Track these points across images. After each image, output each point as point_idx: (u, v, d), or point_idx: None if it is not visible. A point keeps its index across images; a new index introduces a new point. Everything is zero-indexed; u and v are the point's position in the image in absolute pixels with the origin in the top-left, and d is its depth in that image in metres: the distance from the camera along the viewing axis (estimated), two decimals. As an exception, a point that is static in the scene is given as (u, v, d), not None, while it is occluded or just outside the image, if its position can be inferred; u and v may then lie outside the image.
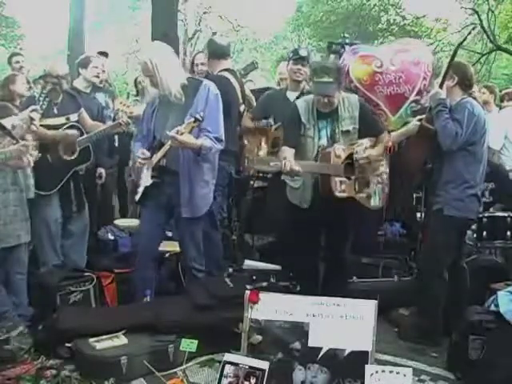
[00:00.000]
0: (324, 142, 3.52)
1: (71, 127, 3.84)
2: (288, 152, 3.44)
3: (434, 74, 3.84)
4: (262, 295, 2.89)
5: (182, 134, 3.06)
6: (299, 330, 2.82)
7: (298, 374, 2.78)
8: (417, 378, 2.99)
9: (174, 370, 2.99)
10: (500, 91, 6.16)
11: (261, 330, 2.84)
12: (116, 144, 4.95)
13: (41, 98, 3.74)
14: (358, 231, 3.78)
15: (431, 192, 3.69)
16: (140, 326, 3.15)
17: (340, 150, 3.41)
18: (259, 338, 2.83)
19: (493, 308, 3.08)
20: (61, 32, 13.48)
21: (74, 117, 3.89)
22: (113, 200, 5.39)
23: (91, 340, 3.00)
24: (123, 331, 3.11)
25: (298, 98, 4.30)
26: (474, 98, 3.64)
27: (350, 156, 3.43)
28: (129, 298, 3.60)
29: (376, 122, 3.61)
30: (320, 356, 2.78)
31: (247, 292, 2.89)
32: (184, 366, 2.99)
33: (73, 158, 3.81)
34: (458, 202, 3.39)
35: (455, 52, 3.56)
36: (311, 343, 2.80)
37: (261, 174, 4.51)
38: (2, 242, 3.26)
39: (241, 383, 2.63)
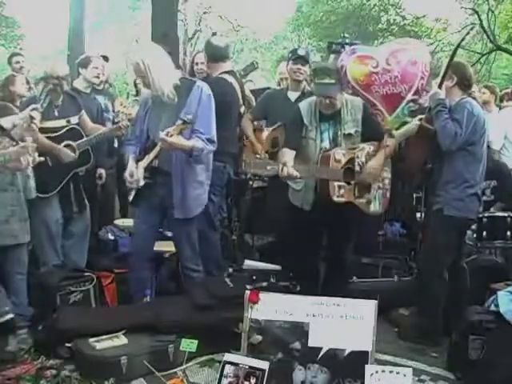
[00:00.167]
0: (326, 144, 3.51)
1: (71, 130, 3.84)
2: (288, 154, 3.43)
3: (434, 73, 3.85)
4: (262, 295, 2.89)
5: (171, 135, 3.05)
6: (299, 330, 2.82)
7: (298, 373, 2.78)
8: (417, 378, 2.99)
9: (174, 370, 2.99)
10: (500, 91, 6.17)
11: (261, 329, 2.84)
12: (116, 145, 4.95)
13: (41, 97, 3.74)
14: (358, 231, 3.77)
15: (431, 192, 3.69)
16: (140, 325, 3.15)
17: (340, 154, 3.40)
18: (259, 337, 2.83)
19: (493, 308, 3.08)
20: (61, 32, 13.51)
21: (74, 119, 3.88)
22: (113, 200, 5.38)
23: (91, 340, 3.00)
24: (123, 331, 3.11)
25: (298, 98, 4.32)
26: (474, 98, 3.65)
27: (350, 160, 3.42)
28: (129, 298, 3.61)
29: (380, 126, 3.58)
30: (320, 356, 2.78)
31: (247, 292, 2.89)
32: (184, 366, 2.99)
33: (71, 160, 3.80)
34: (458, 202, 3.39)
35: (454, 52, 3.56)
36: (311, 343, 2.80)
37: (267, 178, 4.50)
38: None
39: (241, 383, 2.63)
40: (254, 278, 3.83)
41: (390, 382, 2.58)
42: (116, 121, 4.24)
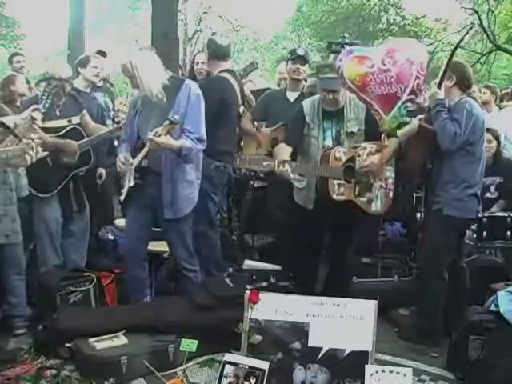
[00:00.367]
0: (329, 142, 3.52)
1: (73, 130, 3.84)
2: (283, 149, 3.44)
3: (434, 73, 3.85)
4: (262, 295, 2.88)
5: (159, 135, 3.05)
6: (299, 330, 2.82)
7: (298, 373, 2.78)
8: (417, 378, 2.99)
9: (174, 370, 2.99)
10: (500, 91, 6.17)
11: (261, 329, 2.83)
12: (115, 143, 4.95)
13: (43, 97, 3.74)
14: (359, 231, 3.77)
15: (431, 192, 3.69)
16: (140, 326, 3.15)
17: (340, 152, 3.40)
18: (259, 337, 2.82)
19: (493, 308, 3.08)
20: (61, 32, 13.50)
21: (75, 119, 3.88)
22: (113, 200, 5.38)
23: (91, 340, 3.00)
24: (123, 331, 3.11)
25: (297, 98, 4.33)
26: (473, 98, 3.65)
27: (351, 159, 3.42)
28: (128, 298, 3.61)
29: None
30: (320, 356, 2.78)
31: (247, 292, 2.89)
32: (184, 366, 2.99)
33: (73, 161, 3.81)
34: (458, 202, 3.40)
35: (453, 52, 3.57)
36: (311, 343, 2.80)
37: (261, 175, 4.50)
38: None
39: (241, 383, 2.63)
40: (254, 277, 3.84)
41: (390, 382, 2.58)
42: (117, 120, 4.24)
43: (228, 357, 2.70)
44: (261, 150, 4.28)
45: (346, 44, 4.26)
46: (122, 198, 3.31)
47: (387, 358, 3.24)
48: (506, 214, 4.07)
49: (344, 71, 3.24)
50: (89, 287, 3.61)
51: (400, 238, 4.69)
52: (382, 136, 3.42)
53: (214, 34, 14.92)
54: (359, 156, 3.43)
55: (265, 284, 3.83)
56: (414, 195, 4.49)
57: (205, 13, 19.34)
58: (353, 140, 3.50)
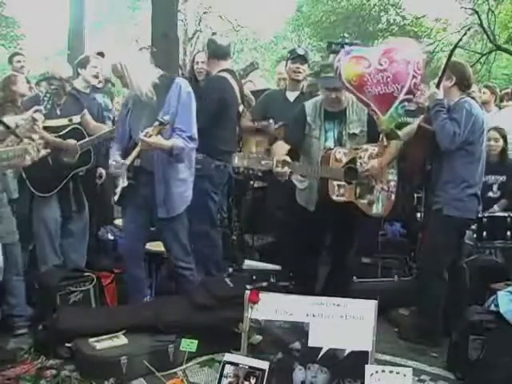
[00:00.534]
0: (330, 143, 3.51)
1: (73, 129, 3.84)
2: (281, 147, 3.44)
3: (435, 73, 3.85)
4: (262, 295, 2.88)
5: (150, 136, 3.04)
6: (299, 330, 2.82)
7: (298, 374, 2.78)
8: (417, 378, 3.00)
9: (174, 370, 2.99)
10: (500, 91, 6.17)
11: (261, 329, 2.83)
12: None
13: (45, 98, 3.74)
14: (359, 231, 3.77)
15: (431, 192, 3.69)
16: (140, 326, 3.15)
17: (341, 153, 3.39)
18: (259, 337, 2.82)
19: (493, 308, 3.08)
20: (61, 32, 13.50)
21: (76, 118, 3.88)
22: (112, 200, 5.38)
23: (91, 340, 3.00)
24: (123, 331, 3.11)
25: (297, 98, 4.33)
26: (473, 98, 3.65)
27: (352, 160, 3.41)
28: (128, 298, 3.61)
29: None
30: (320, 356, 2.78)
31: (247, 292, 2.89)
32: (184, 366, 2.99)
33: (73, 160, 3.81)
34: (458, 202, 3.40)
35: (451, 52, 3.57)
36: (311, 343, 2.80)
37: (260, 174, 4.50)
38: None
39: (241, 383, 2.63)
40: (254, 277, 3.84)
41: (390, 382, 2.58)
42: (117, 120, 4.24)
43: (228, 357, 2.70)
44: (260, 148, 4.28)
45: (346, 44, 4.27)
46: (115, 198, 3.31)
47: (387, 357, 3.24)
48: (505, 214, 4.07)
49: (341, 72, 3.24)
50: (89, 287, 3.62)
51: (400, 238, 4.69)
52: (381, 136, 3.42)
53: (214, 33, 14.93)
54: (360, 158, 3.42)
55: (265, 284, 3.83)
56: (415, 195, 4.49)
57: (205, 13, 19.34)
58: (355, 141, 3.49)
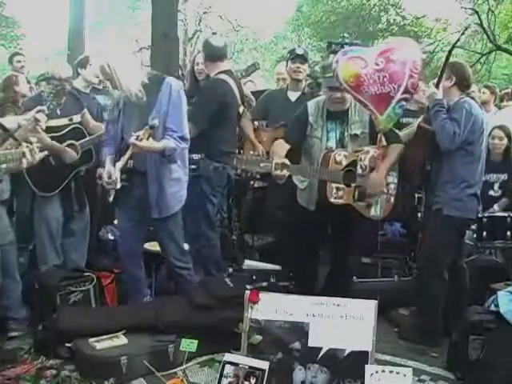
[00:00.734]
0: (332, 144, 3.50)
1: (74, 129, 3.84)
2: (280, 146, 3.43)
3: (435, 73, 3.86)
4: (262, 295, 2.89)
5: (141, 139, 3.03)
6: (299, 330, 2.82)
7: (298, 374, 2.78)
8: (417, 378, 3.00)
9: (174, 370, 2.99)
10: (500, 91, 6.17)
11: (261, 329, 2.83)
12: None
13: (48, 99, 3.73)
14: (359, 232, 3.77)
15: (430, 192, 3.69)
16: (140, 326, 3.15)
17: (341, 156, 3.38)
18: (259, 337, 2.83)
19: (493, 308, 3.08)
20: (61, 32, 13.49)
21: (76, 118, 3.88)
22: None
23: (91, 340, 3.00)
24: (123, 331, 3.11)
25: (299, 98, 4.33)
26: (472, 98, 3.65)
27: (352, 163, 3.40)
28: (127, 298, 3.62)
29: (389, 130, 3.49)
30: (320, 356, 2.78)
31: (247, 292, 2.89)
32: (184, 366, 2.99)
33: (75, 159, 3.82)
34: (458, 202, 3.40)
35: (449, 53, 3.58)
36: (311, 343, 2.80)
37: (258, 176, 4.50)
38: None
39: (241, 383, 2.63)
40: (254, 277, 3.84)
41: (390, 382, 2.58)
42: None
43: (228, 357, 2.70)
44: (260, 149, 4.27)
45: (346, 44, 4.26)
46: (110, 199, 3.30)
47: (387, 357, 3.24)
48: (505, 214, 4.08)
49: (339, 72, 3.25)
50: (89, 287, 3.61)
51: (400, 238, 4.69)
52: (379, 136, 3.42)
53: (214, 33, 14.94)
54: (361, 160, 3.41)
55: (265, 284, 3.83)
56: (416, 195, 4.49)
57: (205, 13, 19.34)
58: (356, 143, 3.48)
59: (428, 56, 12.42)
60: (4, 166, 2.91)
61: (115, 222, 4.67)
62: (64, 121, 3.82)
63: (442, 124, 3.33)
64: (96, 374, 2.87)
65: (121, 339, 3.06)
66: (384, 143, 3.45)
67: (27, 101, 3.88)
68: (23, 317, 3.42)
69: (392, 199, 3.55)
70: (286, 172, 3.18)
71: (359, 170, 3.40)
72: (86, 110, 3.96)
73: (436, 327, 3.48)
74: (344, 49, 3.51)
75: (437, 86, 3.45)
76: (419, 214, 4.55)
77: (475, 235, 4.04)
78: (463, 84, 3.44)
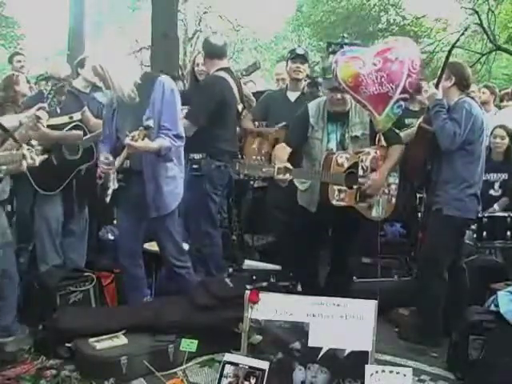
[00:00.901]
0: (333, 145, 3.50)
1: (75, 127, 3.84)
2: (282, 150, 3.43)
3: (435, 73, 3.85)
4: (262, 295, 2.89)
5: (136, 140, 3.03)
6: (299, 330, 2.82)
7: (298, 373, 2.78)
8: (417, 378, 2.99)
9: (174, 370, 2.99)
10: (499, 91, 6.17)
11: (261, 329, 2.84)
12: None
13: (49, 96, 3.73)
14: (360, 232, 3.77)
15: (430, 192, 3.69)
16: (140, 326, 3.15)
17: (343, 158, 3.37)
18: (259, 337, 2.83)
19: (493, 308, 3.08)
20: (61, 32, 13.49)
21: (77, 116, 3.89)
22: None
23: (91, 340, 3.01)
24: (123, 331, 3.11)
25: (298, 98, 4.33)
26: (472, 98, 3.65)
27: (354, 165, 3.39)
28: (127, 298, 3.62)
29: (389, 130, 3.50)
30: (320, 356, 2.78)
31: (247, 292, 2.89)
32: (184, 366, 3.00)
33: (76, 157, 3.82)
34: (458, 202, 3.39)
35: (449, 53, 3.58)
36: (311, 343, 2.80)
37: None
38: None
39: (241, 383, 2.63)
40: (254, 277, 3.83)
41: (390, 381, 2.58)
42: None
43: (228, 357, 2.70)
44: (260, 154, 4.25)
45: (346, 44, 4.26)
46: (107, 199, 3.30)
47: (387, 358, 3.24)
48: (505, 214, 4.08)
49: (337, 72, 3.25)
50: (89, 287, 3.62)
51: (400, 239, 4.69)
52: (378, 136, 3.42)
53: (214, 33, 14.92)
54: (362, 162, 3.41)
55: (265, 284, 3.83)
56: (418, 195, 4.49)
57: (205, 13, 19.32)
58: (357, 144, 3.48)
59: (428, 56, 12.42)
60: (4, 167, 2.90)
61: (115, 222, 4.68)
62: (64, 119, 3.82)
63: (443, 124, 3.33)
64: (96, 374, 2.87)
65: (121, 339, 3.06)
66: (383, 143, 3.45)
67: (28, 100, 3.88)
68: (13, 319, 3.31)
69: (393, 200, 3.55)
70: (288, 176, 3.18)
71: (360, 172, 3.40)
72: (86, 108, 3.96)
73: (436, 327, 3.48)
74: (343, 49, 3.51)
75: (436, 86, 3.45)
76: (419, 214, 4.54)
77: (475, 235, 4.04)
78: (463, 84, 3.45)
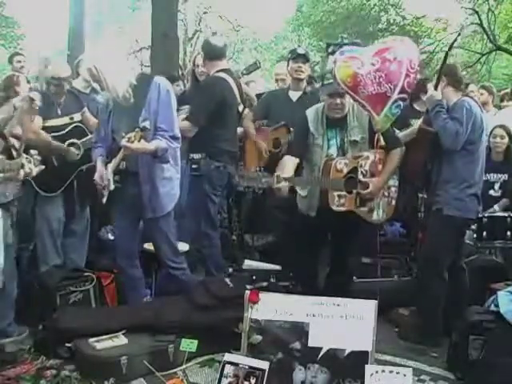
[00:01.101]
0: (333, 151, 3.49)
1: (75, 127, 3.85)
2: (289, 162, 3.42)
3: (435, 73, 3.85)
4: (262, 295, 2.89)
5: (132, 141, 3.03)
6: (299, 330, 2.82)
7: (298, 373, 2.78)
8: (417, 378, 2.99)
9: (174, 370, 2.99)
10: (499, 91, 6.17)
11: (261, 329, 2.84)
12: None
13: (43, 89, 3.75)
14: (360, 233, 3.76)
15: (430, 192, 3.69)
16: (140, 326, 3.15)
17: (342, 163, 3.38)
18: (259, 337, 2.83)
19: (493, 308, 3.08)
20: (61, 32, 13.47)
21: (77, 116, 3.90)
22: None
23: (91, 340, 3.00)
24: (123, 331, 3.11)
25: (300, 97, 4.33)
26: (472, 98, 3.65)
27: (353, 170, 3.39)
28: (126, 298, 3.62)
29: (389, 132, 3.49)
30: (320, 356, 2.78)
31: (247, 292, 2.89)
32: (184, 366, 3.00)
33: (77, 158, 3.82)
34: (458, 202, 3.39)
35: (446, 54, 3.59)
36: (311, 343, 2.80)
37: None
38: None
39: (241, 383, 2.63)
40: (254, 278, 3.84)
41: (390, 381, 2.58)
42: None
43: (228, 357, 2.70)
44: (261, 160, 4.26)
45: (345, 45, 4.26)
46: (104, 200, 3.30)
47: (387, 358, 3.24)
48: (505, 214, 4.08)
49: (336, 73, 3.25)
50: (89, 287, 3.62)
51: (400, 238, 4.69)
52: (376, 136, 3.42)
53: (214, 33, 14.93)
54: (361, 167, 3.41)
55: (265, 284, 3.83)
56: (419, 195, 4.48)
57: (205, 13, 19.31)
58: (356, 149, 3.47)
59: (428, 56, 12.42)
60: (1, 175, 2.90)
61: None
62: (65, 120, 3.83)
63: (444, 124, 3.33)
64: (96, 374, 2.87)
65: (121, 339, 3.06)
66: (382, 142, 3.45)
67: None
68: (10, 321, 3.31)
69: (393, 202, 3.56)
70: (287, 184, 3.18)
71: (360, 176, 3.40)
72: (86, 109, 3.97)
73: (436, 327, 3.48)
74: (342, 49, 3.51)
75: (435, 87, 3.46)
76: (420, 214, 4.54)
77: (475, 235, 4.04)
78: (456, 84, 3.45)
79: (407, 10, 16.99)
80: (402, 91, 3.22)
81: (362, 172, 3.41)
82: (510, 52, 12.11)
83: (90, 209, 4.12)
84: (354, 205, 3.40)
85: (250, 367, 2.65)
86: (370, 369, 2.64)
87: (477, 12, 11.62)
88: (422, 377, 3.06)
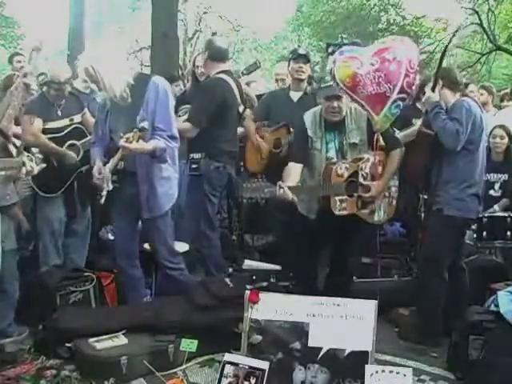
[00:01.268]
0: (332, 154, 3.49)
1: (75, 129, 3.85)
2: (293, 170, 3.42)
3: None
4: (262, 295, 2.89)
5: (130, 142, 3.02)
6: (299, 330, 2.82)
7: (298, 373, 2.78)
8: (417, 378, 2.99)
9: (174, 370, 2.99)
10: (499, 91, 6.17)
11: (261, 329, 2.84)
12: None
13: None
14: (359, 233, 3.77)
15: (431, 192, 3.69)
16: (140, 326, 3.15)
17: (343, 168, 3.38)
18: (259, 337, 2.83)
19: (493, 308, 3.08)
20: (61, 32, 13.47)
21: (77, 118, 3.90)
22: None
23: (91, 340, 3.00)
24: (123, 331, 3.11)
25: (301, 98, 4.32)
26: (472, 98, 3.66)
27: (354, 174, 3.39)
28: (126, 298, 3.62)
29: (388, 133, 3.49)
30: (320, 356, 2.78)
31: (247, 292, 2.89)
32: (184, 366, 3.00)
33: (77, 159, 3.82)
34: (459, 202, 3.39)
35: (442, 55, 3.59)
36: (311, 343, 2.80)
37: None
38: None
39: (241, 383, 2.63)
40: (254, 277, 3.84)
41: (390, 381, 2.58)
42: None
43: (228, 357, 2.70)
44: (262, 160, 4.25)
45: (345, 45, 4.26)
46: (102, 200, 3.30)
47: (387, 357, 3.24)
48: (505, 214, 4.08)
49: (335, 73, 3.25)
50: (89, 287, 3.63)
51: (400, 238, 4.69)
52: (376, 136, 3.42)
53: (214, 33, 14.93)
54: (362, 170, 3.41)
55: (265, 284, 3.83)
56: (420, 196, 4.49)
57: (205, 13, 19.31)
58: (355, 151, 3.47)
59: (428, 56, 12.42)
60: (3, 173, 2.90)
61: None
62: (65, 121, 3.84)
63: (443, 124, 3.33)
64: (96, 374, 2.87)
65: (121, 339, 3.06)
66: (381, 142, 3.45)
67: (29, 103, 3.83)
68: (10, 321, 3.32)
69: (394, 202, 3.57)
70: (289, 192, 3.17)
71: (361, 179, 3.40)
72: (86, 110, 3.97)
73: (436, 327, 3.48)
74: (341, 49, 3.51)
75: (433, 89, 3.46)
76: (420, 215, 4.54)
77: (475, 235, 4.04)
78: (451, 86, 3.45)
79: (407, 10, 17.01)
80: (402, 91, 3.22)
81: (362, 175, 3.41)
82: (509, 52, 12.11)
83: (91, 209, 4.12)
84: (355, 208, 3.41)
85: (250, 367, 2.65)
86: (369, 369, 2.64)
87: (477, 12, 11.62)
88: (421, 377, 3.05)
